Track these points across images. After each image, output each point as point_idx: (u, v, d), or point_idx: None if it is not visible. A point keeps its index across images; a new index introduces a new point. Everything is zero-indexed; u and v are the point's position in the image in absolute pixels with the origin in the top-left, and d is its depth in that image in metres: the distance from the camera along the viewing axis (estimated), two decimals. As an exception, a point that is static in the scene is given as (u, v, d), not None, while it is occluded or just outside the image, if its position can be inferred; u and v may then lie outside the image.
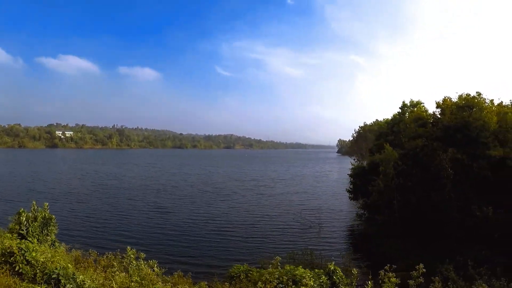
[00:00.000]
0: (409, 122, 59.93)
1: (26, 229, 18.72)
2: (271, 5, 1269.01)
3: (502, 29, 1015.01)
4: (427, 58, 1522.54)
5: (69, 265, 14.51)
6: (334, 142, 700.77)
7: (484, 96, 47.33)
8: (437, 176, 41.68)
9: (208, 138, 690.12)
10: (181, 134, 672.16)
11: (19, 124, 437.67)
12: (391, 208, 45.95)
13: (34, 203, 19.98)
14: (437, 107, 51.51)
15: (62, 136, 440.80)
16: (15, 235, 17.63)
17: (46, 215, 20.05)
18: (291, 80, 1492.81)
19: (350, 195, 65.40)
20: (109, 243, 38.82)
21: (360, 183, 59.07)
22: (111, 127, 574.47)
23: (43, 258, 14.56)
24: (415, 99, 72.79)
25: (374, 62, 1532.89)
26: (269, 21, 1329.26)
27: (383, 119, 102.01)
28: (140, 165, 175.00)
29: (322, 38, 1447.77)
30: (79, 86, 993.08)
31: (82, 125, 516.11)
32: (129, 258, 18.86)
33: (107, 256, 20.91)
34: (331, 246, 44.30)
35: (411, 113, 70.90)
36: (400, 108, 75.50)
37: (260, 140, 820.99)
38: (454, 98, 49.43)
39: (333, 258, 34.34)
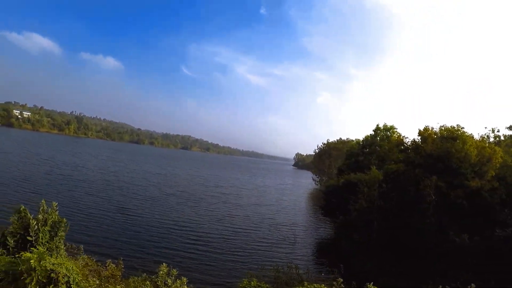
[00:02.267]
0: (391, 147, 60.54)
1: (35, 236, 16.43)
2: (244, 13, 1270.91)
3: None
4: (393, 84, 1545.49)
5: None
6: (289, 155, 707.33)
7: (465, 129, 48.06)
8: (418, 200, 42.04)
9: (165, 136, 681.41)
10: (139, 129, 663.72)
11: None
12: (370, 228, 45.82)
13: (43, 202, 17.51)
14: (418, 135, 51.52)
15: (19, 116, 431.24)
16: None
17: (56, 218, 17.82)
18: (254, 88, 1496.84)
19: (322, 211, 65.27)
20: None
21: (336, 201, 58.86)
22: (69, 113, 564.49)
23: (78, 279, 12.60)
24: (388, 123, 73.68)
25: (339, 82, 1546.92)
26: (240, 28, 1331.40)
27: (355, 139, 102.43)
28: (99, 157, 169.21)
29: (290, 51, 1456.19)
30: (39, 66, 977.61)
31: (41, 107, 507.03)
32: (163, 277, 17.54)
33: (109, 266, 19.38)
34: (309, 262, 43.93)
35: (385, 137, 71.54)
36: (373, 130, 76.05)
37: (217, 144, 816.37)
38: (435, 128, 49.79)
39: (323, 275, 33.67)
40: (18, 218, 16.35)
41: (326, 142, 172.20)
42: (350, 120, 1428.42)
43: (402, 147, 56.08)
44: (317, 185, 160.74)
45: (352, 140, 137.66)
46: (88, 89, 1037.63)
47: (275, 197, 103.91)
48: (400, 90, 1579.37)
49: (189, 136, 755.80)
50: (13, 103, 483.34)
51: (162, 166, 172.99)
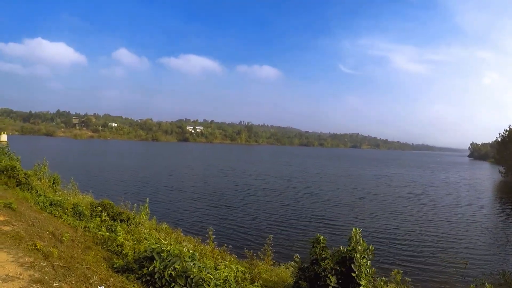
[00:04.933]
0: None
1: (358, 270, 13.75)
2: (393, 1, 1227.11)
3: None
4: None
5: None
6: (461, 145, 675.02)
7: None
8: None
9: (334, 136, 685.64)
10: (306, 131, 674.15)
11: (151, 119, 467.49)
12: None
13: (356, 230, 14.59)
14: None
15: (193, 131, 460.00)
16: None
17: (365, 244, 15.02)
18: (415, 77, 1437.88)
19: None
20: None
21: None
22: (237, 123, 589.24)
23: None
24: None
25: (504, 59, 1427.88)
26: (391, 17, 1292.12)
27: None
28: (277, 163, 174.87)
29: (446, 33, 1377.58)
30: (201, 84, 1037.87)
31: (211, 120, 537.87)
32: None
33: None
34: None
35: None
36: None
37: (386, 140, 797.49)
38: None
39: None
40: (320, 249, 14.23)
41: (508, 128, 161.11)
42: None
43: None
44: (504, 176, 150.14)
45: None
46: (252, 99, 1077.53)
47: (469, 194, 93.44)
48: None
49: (357, 134, 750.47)
50: (185, 120, 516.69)
51: (339, 167, 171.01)
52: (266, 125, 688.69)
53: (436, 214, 64.78)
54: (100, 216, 22.01)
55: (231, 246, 24.27)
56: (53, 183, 34.60)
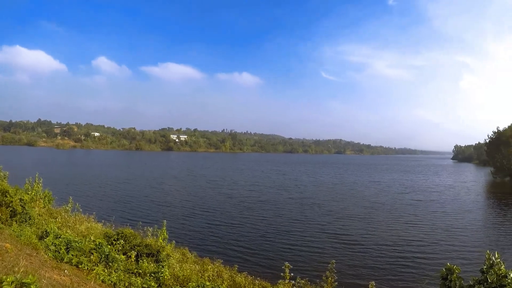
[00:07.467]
0: None
1: None
2: (373, 6, 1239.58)
3: None
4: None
5: None
6: (442, 148, 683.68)
7: None
8: None
9: (317, 142, 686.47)
10: (290, 138, 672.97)
11: (134, 128, 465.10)
12: None
13: (497, 254, 10.92)
14: None
15: (177, 140, 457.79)
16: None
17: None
18: (396, 83, 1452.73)
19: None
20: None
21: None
22: (220, 131, 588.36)
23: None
24: None
25: (482, 62, 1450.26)
26: (371, 24, 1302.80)
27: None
28: (266, 171, 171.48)
29: (426, 38, 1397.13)
30: (183, 92, 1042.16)
31: (195, 129, 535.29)
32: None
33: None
34: None
35: None
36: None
37: (369, 145, 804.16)
38: None
39: None
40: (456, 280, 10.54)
41: (496, 130, 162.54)
42: (505, 104, 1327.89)
43: None
44: (495, 177, 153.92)
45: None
46: (234, 107, 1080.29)
47: (473, 199, 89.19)
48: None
49: (340, 140, 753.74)
50: (167, 128, 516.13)
51: (332, 174, 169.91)
52: (249, 132, 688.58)
53: (451, 221, 60.83)
54: (126, 254, 17.29)
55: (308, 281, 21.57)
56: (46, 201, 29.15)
